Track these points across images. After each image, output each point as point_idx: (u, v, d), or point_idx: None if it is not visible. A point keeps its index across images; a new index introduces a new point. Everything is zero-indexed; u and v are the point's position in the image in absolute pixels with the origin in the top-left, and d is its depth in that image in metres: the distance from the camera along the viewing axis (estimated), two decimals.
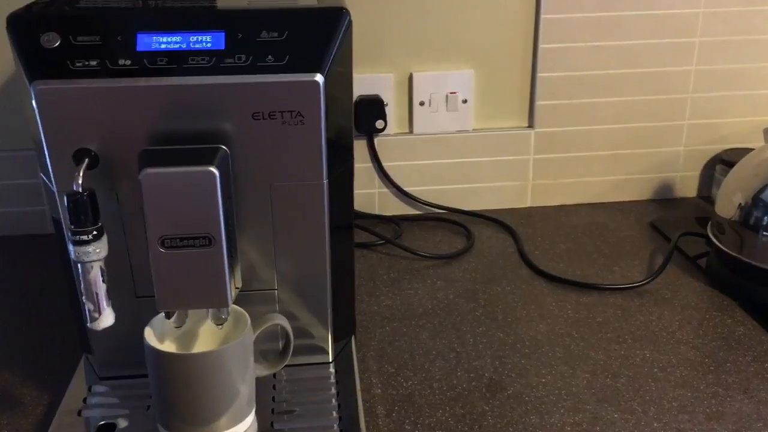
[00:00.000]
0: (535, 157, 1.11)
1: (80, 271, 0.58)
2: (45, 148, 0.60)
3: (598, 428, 0.68)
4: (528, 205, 1.14)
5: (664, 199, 1.16)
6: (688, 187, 1.16)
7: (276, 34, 0.60)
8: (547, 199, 1.14)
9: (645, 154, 1.13)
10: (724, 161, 1.09)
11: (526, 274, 0.95)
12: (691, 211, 1.12)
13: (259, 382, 0.66)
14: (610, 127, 1.10)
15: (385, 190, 1.10)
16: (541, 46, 1.05)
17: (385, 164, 1.08)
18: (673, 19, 1.05)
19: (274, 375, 0.71)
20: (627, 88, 1.08)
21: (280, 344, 0.70)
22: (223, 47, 0.59)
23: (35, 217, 1.05)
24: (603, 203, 1.15)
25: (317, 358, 0.73)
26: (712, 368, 0.76)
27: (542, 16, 1.03)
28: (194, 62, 0.59)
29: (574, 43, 1.05)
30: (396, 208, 1.11)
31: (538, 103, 1.08)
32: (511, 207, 1.13)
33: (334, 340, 0.73)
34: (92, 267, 0.57)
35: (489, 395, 0.72)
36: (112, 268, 0.60)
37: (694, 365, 0.76)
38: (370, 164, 1.08)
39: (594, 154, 1.12)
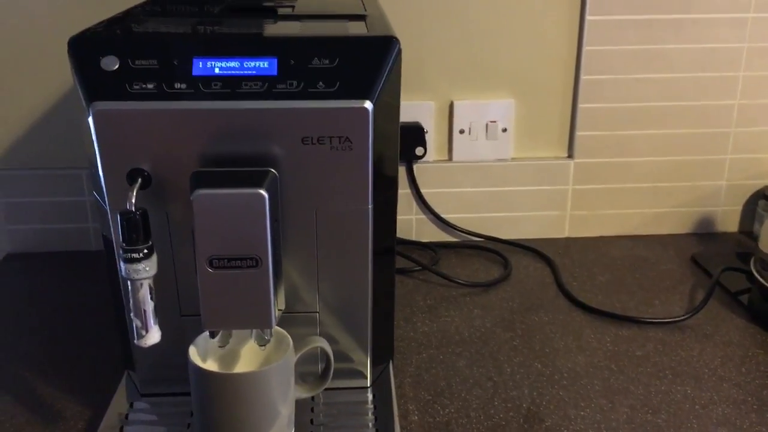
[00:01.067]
0: (574, 188, 1.11)
1: (130, 288, 0.59)
2: (100, 168, 0.61)
3: None
4: (566, 235, 1.13)
5: (705, 233, 1.14)
6: (729, 221, 1.14)
7: (327, 61, 0.61)
8: (585, 230, 1.13)
9: (686, 187, 1.12)
10: (767, 196, 1.08)
11: (564, 304, 0.95)
12: (733, 246, 1.10)
13: (298, 404, 0.67)
14: (651, 159, 1.10)
15: (423, 216, 1.11)
16: (583, 77, 1.05)
17: (424, 191, 1.09)
18: (716, 53, 1.05)
19: (313, 398, 0.71)
20: (669, 120, 1.08)
21: (320, 367, 0.70)
22: (275, 73, 0.60)
23: (78, 234, 1.07)
24: (642, 236, 1.14)
25: (355, 383, 0.73)
26: (755, 407, 0.74)
27: (584, 48, 1.04)
28: (247, 87, 0.60)
29: (616, 74, 1.05)
30: (433, 235, 1.12)
31: (579, 133, 1.08)
32: (549, 237, 1.13)
33: (373, 365, 0.73)
34: (142, 285, 0.58)
35: (527, 426, 0.72)
36: (158, 287, 0.61)
37: (736, 403, 0.75)
38: (409, 191, 1.09)
39: (634, 186, 1.11)
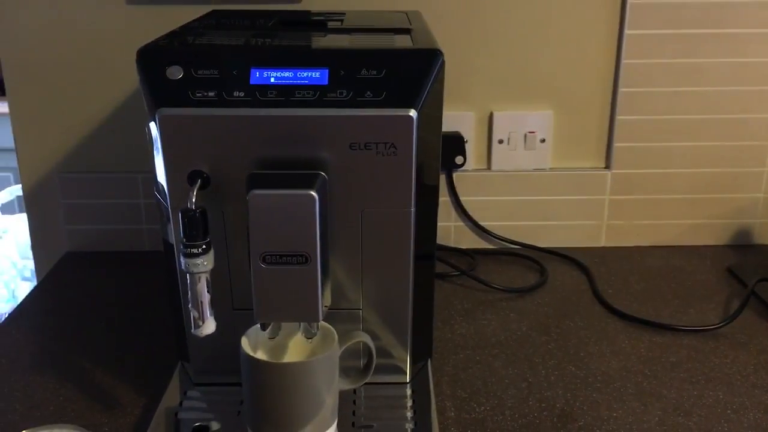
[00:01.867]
0: (611, 198, 1.13)
1: (188, 281, 0.63)
2: (163, 169, 0.66)
3: None
4: (602, 244, 1.15)
5: (742, 245, 1.15)
6: (766, 234, 1.15)
7: (375, 72, 0.65)
8: (621, 239, 1.15)
9: (723, 199, 1.13)
10: None
11: (599, 311, 0.97)
12: None
13: (341, 397, 0.70)
14: (688, 171, 1.12)
15: (461, 223, 1.14)
16: (621, 89, 1.08)
17: (463, 199, 1.12)
18: (754, 67, 1.06)
19: (354, 391, 0.74)
20: (705, 133, 1.10)
21: (363, 362, 0.74)
22: (326, 83, 0.65)
23: (133, 234, 1.13)
24: (679, 246, 1.15)
25: (395, 378, 0.76)
26: None
27: (623, 61, 1.06)
28: (300, 96, 0.64)
29: (654, 87, 1.07)
30: (471, 241, 1.15)
31: (616, 144, 1.10)
32: (585, 246, 1.15)
33: (412, 362, 0.77)
34: (200, 278, 0.63)
35: (560, 425, 0.74)
36: (213, 282, 0.65)
37: None
38: (448, 198, 1.12)
39: (671, 197, 1.13)
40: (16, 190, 2.19)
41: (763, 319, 0.94)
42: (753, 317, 0.94)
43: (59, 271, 1.08)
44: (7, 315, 0.96)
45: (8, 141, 1.38)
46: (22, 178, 1.11)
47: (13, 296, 2.11)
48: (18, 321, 0.94)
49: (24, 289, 1.95)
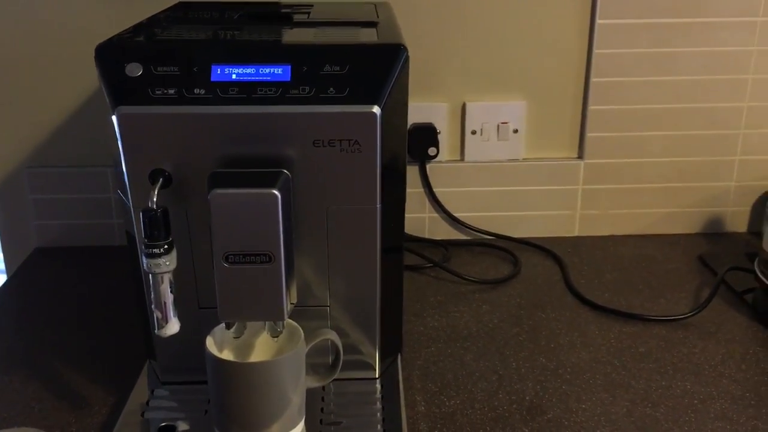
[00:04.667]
0: (583, 188, 1.13)
1: (151, 281, 0.62)
2: (124, 168, 0.65)
3: None
4: (576, 234, 1.16)
5: (714, 233, 1.16)
6: (738, 222, 1.16)
7: (338, 68, 0.64)
8: (595, 229, 1.15)
9: (695, 187, 1.14)
10: None
11: (571, 302, 0.97)
12: (741, 246, 1.12)
13: (309, 394, 0.70)
14: (661, 160, 1.12)
15: (435, 215, 1.14)
16: (593, 79, 1.07)
17: (436, 190, 1.12)
18: (726, 56, 1.06)
19: (323, 388, 0.74)
20: (678, 122, 1.10)
21: (330, 359, 0.74)
22: (289, 79, 0.64)
23: (103, 229, 1.12)
24: (651, 235, 1.16)
25: (364, 374, 0.76)
26: (753, 402, 0.76)
27: (595, 51, 1.06)
28: (262, 92, 0.63)
29: (627, 77, 1.07)
30: (445, 232, 1.15)
31: (589, 134, 1.10)
32: (558, 236, 1.15)
33: (381, 357, 0.77)
34: (162, 278, 0.62)
35: (529, 418, 0.75)
36: (178, 281, 0.65)
37: (735, 399, 0.77)
38: (422, 189, 1.12)
39: (643, 186, 1.13)
40: None
41: (732, 308, 0.95)
42: (722, 306, 0.95)
43: (28, 267, 1.07)
44: None
45: None
46: None
47: None
48: None
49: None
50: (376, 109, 0.63)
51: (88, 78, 1.05)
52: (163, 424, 0.69)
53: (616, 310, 0.94)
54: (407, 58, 0.66)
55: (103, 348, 0.87)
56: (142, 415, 0.71)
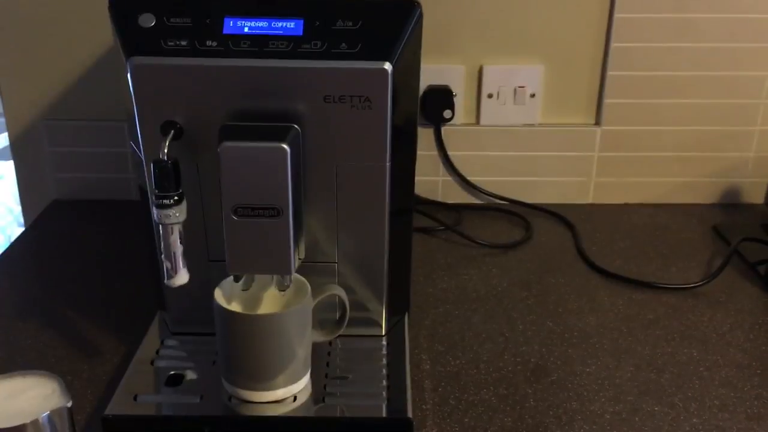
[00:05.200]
0: (599, 155, 1.12)
1: (161, 232, 0.63)
2: (136, 119, 0.66)
3: (637, 419, 0.70)
4: (590, 201, 1.15)
5: (730, 204, 1.15)
6: (756, 193, 1.15)
7: (350, 24, 0.64)
8: (609, 196, 1.15)
9: (713, 157, 1.12)
10: None
11: (582, 268, 0.97)
12: (758, 217, 1.11)
13: (316, 348, 0.71)
14: (679, 128, 1.10)
15: (449, 178, 1.13)
16: (613, 44, 1.06)
17: (451, 153, 1.11)
18: (750, 24, 1.04)
19: (330, 343, 0.75)
20: (698, 90, 1.08)
21: (337, 314, 0.74)
22: (301, 33, 0.64)
23: (118, 183, 1.13)
24: (666, 204, 1.15)
25: (371, 331, 0.77)
26: (758, 371, 0.76)
27: (616, 15, 1.04)
28: (274, 46, 0.63)
29: (647, 43, 1.06)
30: (458, 196, 1.14)
31: (607, 101, 1.09)
32: (572, 202, 1.15)
33: (388, 316, 0.77)
34: (172, 229, 0.63)
35: (533, 379, 0.75)
36: (188, 233, 0.65)
37: (740, 367, 0.77)
38: (436, 152, 1.12)
39: (660, 154, 1.12)
40: None
41: (744, 278, 0.94)
42: (734, 276, 0.94)
43: (45, 218, 1.09)
44: None
45: None
46: (8, 126, 1.11)
47: (9, 241, 2.13)
48: (2, 267, 0.95)
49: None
50: (388, 66, 0.63)
51: (106, 30, 1.05)
52: (172, 372, 0.71)
53: (627, 278, 0.94)
54: (421, 15, 0.65)
55: (116, 299, 0.88)
56: (152, 363, 0.72)
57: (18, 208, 2.05)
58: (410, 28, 0.65)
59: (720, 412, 0.71)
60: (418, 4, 0.65)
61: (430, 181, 1.13)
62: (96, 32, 1.05)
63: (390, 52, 0.64)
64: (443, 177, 1.13)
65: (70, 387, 0.72)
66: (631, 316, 0.86)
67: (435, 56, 1.07)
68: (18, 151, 1.12)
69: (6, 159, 2.18)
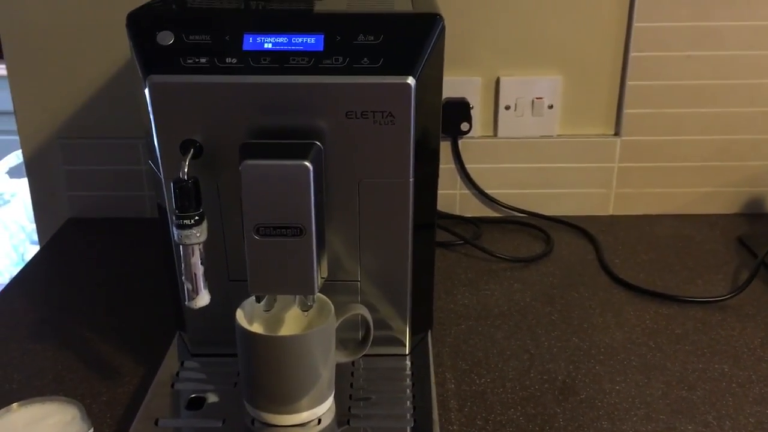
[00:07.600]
0: (619, 165, 1.10)
1: (182, 253, 0.62)
2: (155, 138, 0.64)
3: None
4: (610, 213, 1.13)
5: (754, 214, 1.13)
6: None
7: (372, 38, 0.63)
8: (630, 208, 1.13)
9: (735, 167, 1.10)
10: None
11: (605, 281, 0.95)
12: None
13: (339, 369, 0.70)
14: (700, 138, 1.09)
15: (467, 191, 1.12)
16: (632, 54, 1.04)
17: (468, 166, 1.10)
18: None
19: (353, 363, 0.74)
20: (719, 99, 1.07)
21: (360, 334, 0.73)
22: (322, 49, 0.62)
23: (135, 201, 1.12)
24: (689, 215, 1.13)
25: (394, 350, 0.75)
26: None
27: (635, 25, 1.03)
28: (295, 62, 0.62)
29: (667, 52, 1.04)
30: (476, 209, 1.13)
31: (626, 111, 1.07)
32: (592, 214, 1.13)
33: (412, 334, 0.76)
34: (193, 250, 0.62)
35: (561, 398, 0.73)
36: (208, 253, 0.64)
37: None
38: (453, 165, 1.10)
39: (682, 164, 1.10)
40: None
41: None
42: (762, 288, 0.92)
43: (61, 237, 1.08)
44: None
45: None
46: (22, 144, 1.10)
47: (23, 259, 2.13)
48: (18, 288, 0.94)
49: (33, 252, 1.96)
50: (411, 80, 0.62)
51: (121, 48, 1.05)
52: (193, 395, 0.69)
53: (652, 291, 0.92)
54: (443, 28, 0.64)
55: (134, 319, 0.87)
56: (172, 386, 0.71)
57: (31, 226, 2.05)
58: (432, 42, 0.63)
59: (756, 429, 0.69)
60: (441, 17, 0.64)
61: (448, 194, 1.12)
62: (110, 50, 1.05)
63: (413, 66, 0.62)
64: (461, 190, 1.12)
65: (89, 410, 0.70)
66: (658, 330, 0.84)
67: (452, 68, 1.06)
68: (32, 170, 1.12)
69: (19, 177, 2.18)
